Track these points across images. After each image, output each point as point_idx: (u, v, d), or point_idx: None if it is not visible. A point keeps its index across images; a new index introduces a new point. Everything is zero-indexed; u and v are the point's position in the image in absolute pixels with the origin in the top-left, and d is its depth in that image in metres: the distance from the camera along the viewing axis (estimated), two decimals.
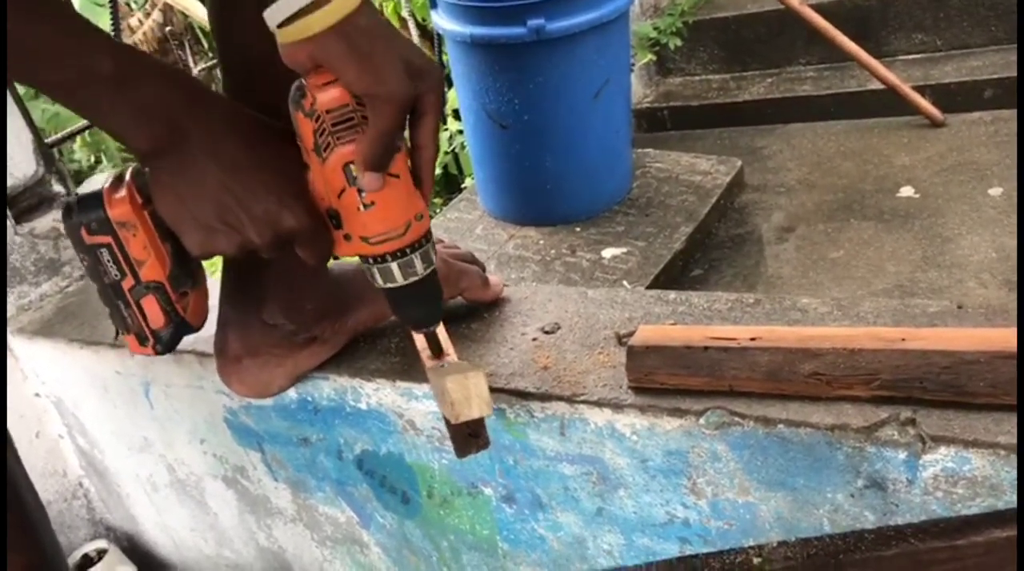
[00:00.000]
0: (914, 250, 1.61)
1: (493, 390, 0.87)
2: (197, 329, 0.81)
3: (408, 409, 0.95)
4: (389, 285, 0.74)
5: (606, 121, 1.81)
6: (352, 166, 0.67)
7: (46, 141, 1.44)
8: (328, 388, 1.00)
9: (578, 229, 1.81)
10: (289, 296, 0.93)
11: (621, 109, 1.86)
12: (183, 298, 0.78)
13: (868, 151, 2.05)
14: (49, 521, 0.95)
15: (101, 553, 1.44)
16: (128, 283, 0.74)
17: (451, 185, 2.49)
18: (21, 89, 1.41)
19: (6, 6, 0.59)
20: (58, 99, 0.67)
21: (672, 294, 0.94)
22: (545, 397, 0.85)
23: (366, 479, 1.07)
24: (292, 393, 1.03)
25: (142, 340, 0.79)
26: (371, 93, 0.65)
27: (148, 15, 5.55)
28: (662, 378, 0.79)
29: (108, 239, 0.72)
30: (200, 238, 0.70)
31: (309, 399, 1.03)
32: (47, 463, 1.45)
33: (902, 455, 0.69)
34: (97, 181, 0.76)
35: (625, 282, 1.61)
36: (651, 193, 1.89)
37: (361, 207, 0.68)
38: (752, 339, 0.77)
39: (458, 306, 1.00)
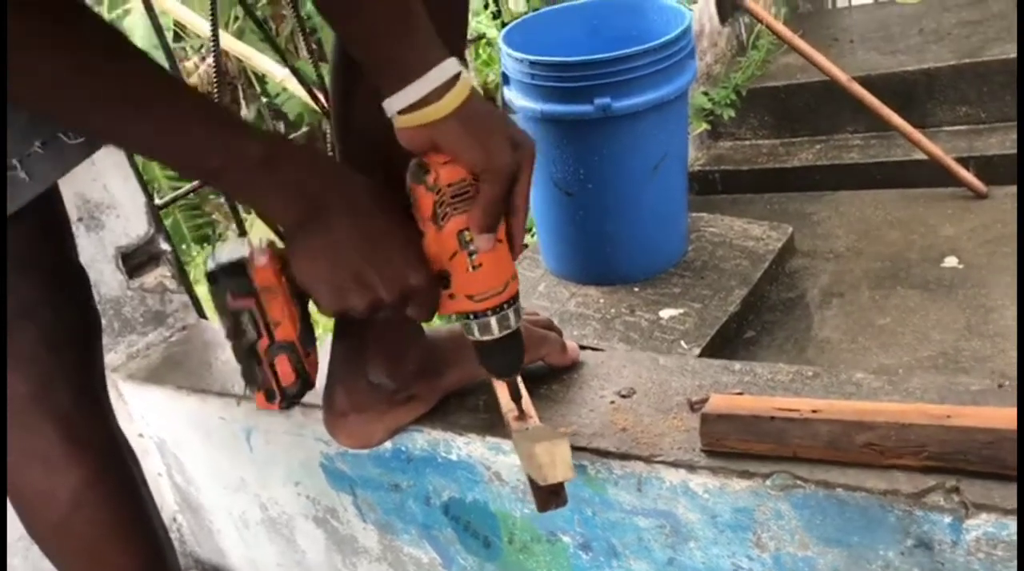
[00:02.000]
0: (958, 319, 1.69)
1: (576, 449, 0.98)
2: (314, 386, 0.91)
3: (495, 462, 1.06)
4: (486, 337, 0.84)
5: (664, 190, 1.93)
6: (466, 233, 0.78)
7: (156, 203, 1.58)
8: (422, 440, 1.11)
9: (636, 289, 1.92)
10: (392, 359, 1.04)
11: (678, 179, 1.98)
12: (308, 357, 0.87)
13: (913, 221, 2.15)
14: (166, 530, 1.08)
15: None
16: (264, 343, 0.83)
17: None
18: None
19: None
20: (205, 181, 0.79)
21: (737, 365, 1.05)
22: (624, 456, 0.95)
23: (451, 523, 1.18)
24: (388, 444, 1.14)
25: (270, 396, 0.87)
26: (485, 168, 0.77)
27: (204, 59, 5.78)
28: (732, 443, 0.90)
29: (251, 303, 0.81)
30: (335, 297, 0.80)
31: (403, 449, 1.14)
32: None
33: (947, 519, 0.79)
34: (229, 249, 0.85)
35: (683, 342, 1.71)
36: (706, 257, 2.00)
37: (470, 268, 0.79)
38: (813, 411, 0.87)
39: (539, 369, 1.11)
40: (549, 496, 0.89)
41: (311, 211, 0.77)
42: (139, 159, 1.58)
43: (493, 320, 0.83)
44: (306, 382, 0.89)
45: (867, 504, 0.82)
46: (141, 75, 0.69)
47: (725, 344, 1.78)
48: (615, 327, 1.80)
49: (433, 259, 0.81)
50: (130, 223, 1.53)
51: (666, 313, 1.81)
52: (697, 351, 1.69)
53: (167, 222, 2.17)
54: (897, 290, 1.84)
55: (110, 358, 1.51)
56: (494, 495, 1.10)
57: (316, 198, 0.77)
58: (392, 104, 0.76)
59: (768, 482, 0.87)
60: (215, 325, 1.60)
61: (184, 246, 5.63)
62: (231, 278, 0.81)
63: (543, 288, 1.99)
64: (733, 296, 1.84)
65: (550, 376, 1.11)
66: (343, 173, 0.82)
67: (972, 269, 1.85)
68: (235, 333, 0.83)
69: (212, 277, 0.82)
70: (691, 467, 0.91)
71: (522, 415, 0.96)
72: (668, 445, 0.94)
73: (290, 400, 0.88)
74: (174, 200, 1.63)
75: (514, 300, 0.84)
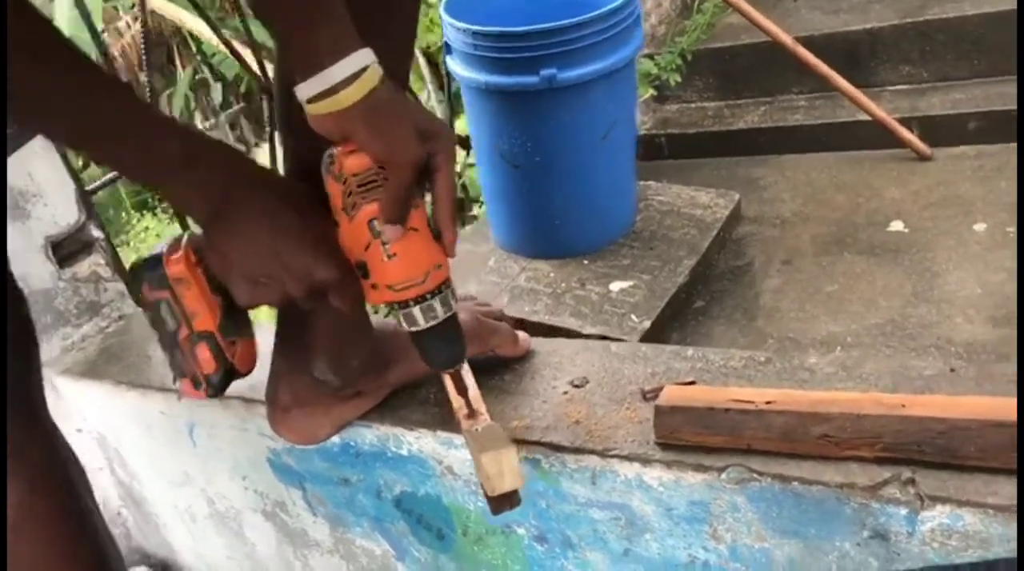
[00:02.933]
0: (904, 285, 1.70)
1: (529, 443, 0.96)
2: (245, 374, 0.91)
3: (447, 456, 1.04)
4: (413, 329, 0.83)
5: (612, 160, 1.90)
6: (376, 222, 0.77)
7: (87, 189, 1.52)
8: (371, 435, 1.09)
9: (586, 262, 1.90)
10: (337, 354, 1.01)
11: (627, 148, 1.95)
12: (232, 346, 0.87)
13: (859, 184, 2.15)
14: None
15: None
16: (183, 333, 0.85)
17: (460, 209, 2.58)
18: None
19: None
20: (125, 174, 0.78)
21: (690, 351, 1.03)
22: (579, 451, 0.93)
23: (403, 517, 1.16)
24: (335, 438, 1.11)
25: (196, 383, 0.88)
26: (388, 159, 0.77)
27: (136, 19, 5.60)
28: (686, 436, 0.88)
29: (166, 294, 0.83)
30: (247, 290, 0.81)
31: (352, 444, 1.11)
32: None
33: (903, 511, 0.78)
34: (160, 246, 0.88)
35: (633, 316, 1.70)
36: (654, 226, 1.98)
37: (385, 258, 0.78)
38: (768, 402, 0.86)
39: (491, 360, 1.08)
40: (502, 499, 0.87)
41: (223, 207, 0.78)
42: None
43: (416, 310, 0.81)
44: (230, 371, 0.89)
45: (823, 497, 0.82)
46: (65, 69, 0.70)
47: (675, 315, 1.77)
48: (565, 301, 1.78)
49: (349, 249, 0.80)
50: (59, 211, 1.46)
51: (616, 286, 1.80)
52: (648, 324, 1.68)
53: (104, 191, 2.10)
54: (844, 256, 1.84)
55: (43, 352, 1.46)
56: (447, 489, 1.08)
57: (228, 195, 0.78)
58: (301, 91, 0.76)
59: (723, 475, 0.86)
60: None
61: (124, 215, 5.49)
62: (147, 272, 0.83)
63: (493, 263, 1.96)
64: (682, 266, 1.83)
65: (502, 367, 1.08)
66: (256, 170, 0.82)
67: (917, 233, 1.87)
68: (155, 323, 0.85)
69: (132, 272, 0.86)
70: (645, 460, 0.89)
71: (472, 412, 0.94)
72: (622, 438, 0.92)
73: (215, 388, 0.88)
74: (105, 185, 1.56)
75: (440, 289, 0.82)
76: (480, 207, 2.18)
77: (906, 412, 0.81)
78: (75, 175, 1.49)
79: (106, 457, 1.51)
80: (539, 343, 1.11)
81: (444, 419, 1.02)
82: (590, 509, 0.97)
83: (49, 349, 1.45)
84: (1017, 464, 0.76)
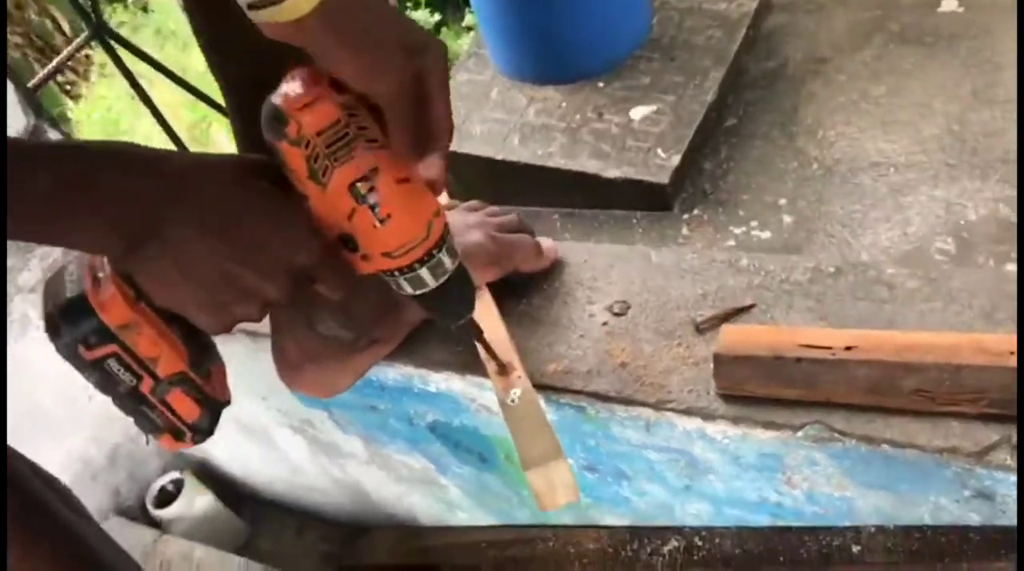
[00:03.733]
0: (962, 83, 1.51)
1: (571, 392, 0.86)
2: (228, 403, 0.77)
3: (480, 396, 0.94)
4: (421, 291, 0.69)
5: None
6: (360, 184, 0.61)
7: (28, 85, 1.33)
8: (393, 373, 0.99)
9: (601, 84, 1.70)
10: (342, 308, 0.88)
11: None
12: (208, 379, 0.73)
13: None
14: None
15: (177, 484, 1.48)
16: (147, 385, 0.67)
17: None
18: None
19: None
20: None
21: (744, 260, 0.89)
22: (628, 401, 0.83)
23: (440, 440, 1.08)
24: None
25: (178, 435, 0.73)
26: (369, 87, 0.60)
27: None
28: (753, 388, 0.77)
29: (112, 348, 0.64)
30: (214, 317, 0.65)
31: (374, 379, 1.01)
32: (107, 409, 1.45)
33: (1013, 477, 0.68)
34: (68, 276, 0.64)
35: (659, 150, 1.53)
36: (674, 31, 1.75)
37: (376, 223, 0.63)
38: (848, 348, 0.74)
39: (512, 279, 0.95)
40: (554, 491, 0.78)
41: (142, 230, 0.59)
42: None
43: (424, 271, 0.67)
44: (215, 406, 0.74)
45: (918, 459, 0.71)
46: None
47: (705, 140, 1.60)
48: (583, 138, 1.60)
49: (327, 223, 0.64)
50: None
51: (637, 112, 1.62)
52: (677, 158, 1.52)
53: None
54: (890, 48, 1.63)
55: (23, 278, 1.34)
56: (483, 422, 0.99)
57: (144, 211, 0.59)
58: None
59: (799, 434, 0.75)
60: None
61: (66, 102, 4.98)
62: (75, 325, 0.63)
63: (496, 95, 1.76)
64: (709, 80, 1.63)
65: (528, 286, 0.95)
66: (174, 163, 0.62)
67: (974, 12, 1.63)
68: (106, 386, 0.67)
69: (51, 326, 0.64)
70: (707, 416, 0.79)
71: (502, 368, 0.83)
72: (677, 386, 0.81)
73: (205, 432, 0.74)
74: (48, 78, 1.37)
75: (444, 239, 0.67)
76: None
77: (1015, 362, 0.69)
78: (13, 73, 1.30)
79: None
80: (568, 252, 0.98)
81: (471, 362, 0.91)
82: (645, 451, 0.88)
83: (30, 276, 1.33)
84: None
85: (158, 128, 1.77)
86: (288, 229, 0.64)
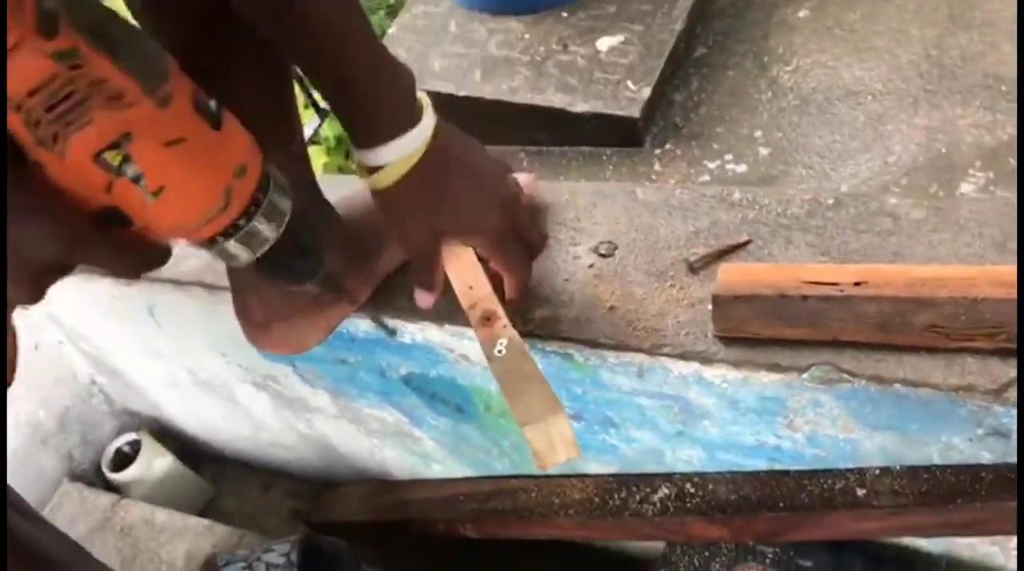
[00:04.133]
0: (939, 6, 1.46)
1: (558, 339, 0.81)
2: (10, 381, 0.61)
3: (459, 346, 0.89)
4: (235, 265, 0.58)
5: None
6: (107, 154, 0.48)
7: None
8: (364, 325, 0.92)
9: (565, 14, 1.62)
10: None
11: None
12: None
13: None
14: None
15: (134, 446, 1.41)
16: None
17: None
18: None
19: None
20: None
21: (736, 194, 0.84)
22: (620, 348, 0.78)
23: (415, 393, 1.02)
24: None
25: None
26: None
27: None
28: (755, 328, 0.72)
29: None
30: None
31: (344, 332, 0.95)
32: (54, 370, 1.38)
33: None
34: None
35: (629, 83, 1.47)
36: None
37: (148, 198, 0.50)
38: (856, 284, 0.69)
39: None
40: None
41: None
42: None
43: (231, 244, 0.55)
44: None
45: (932, 398, 0.67)
46: None
47: (675, 71, 1.54)
48: (548, 71, 1.53)
49: (79, 196, 0.50)
50: None
51: (604, 43, 1.54)
52: (647, 91, 1.45)
53: None
54: None
55: None
56: (462, 372, 0.94)
57: None
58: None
59: (806, 375, 0.71)
60: None
61: None
62: None
63: (454, 28, 1.68)
64: (677, 8, 1.56)
65: None
66: None
67: None
68: None
69: None
70: (705, 360, 0.74)
71: (486, 316, 0.77)
72: (672, 329, 0.76)
73: None
74: None
75: (256, 203, 0.54)
76: None
77: None
78: None
79: (63, 332, 1.35)
80: (548, 191, 0.92)
81: (451, 310, 0.85)
82: (636, 397, 0.84)
83: None
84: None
85: None
86: (24, 222, 0.49)
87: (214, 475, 1.51)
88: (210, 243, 0.54)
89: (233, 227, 0.54)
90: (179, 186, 0.50)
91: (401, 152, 0.68)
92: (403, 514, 1.21)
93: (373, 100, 0.66)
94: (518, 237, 0.78)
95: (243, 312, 0.87)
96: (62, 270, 0.53)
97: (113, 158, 0.48)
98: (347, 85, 0.65)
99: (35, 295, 0.53)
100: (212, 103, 0.52)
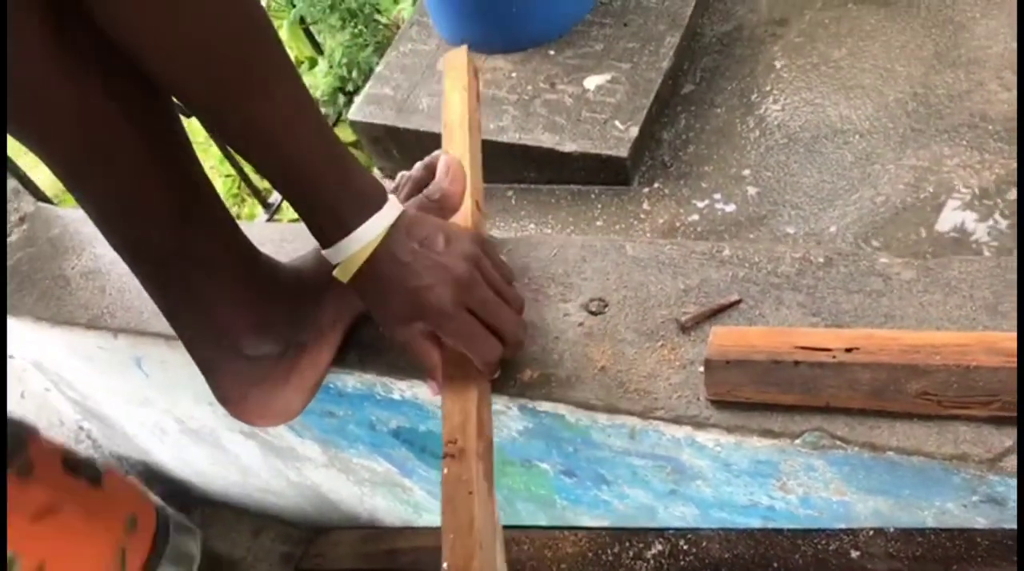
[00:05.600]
0: (924, 44, 1.47)
1: (548, 399, 0.80)
2: None
3: None
4: None
5: None
6: None
7: None
8: (353, 381, 0.92)
9: (552, 52, 1.62)
10: (258, 321, 0.81)
11: None
12: None
13: None
14: None
15: None
16: None
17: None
18: None
19: None
20: None
21: (727, 250, 0.84)
22: (612, 409, 0.77)
23: (404, 446, 1.02)
24: None
25: None
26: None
27: None
28: (748, 393, 0.72)
29: None
30: None
31: (332, 386, 0.94)
32: (40, 418, 1.36)
33: None
34: None
35: (617, 122, 1.47)
36: None
37: None
38: (848, 350, 0.69)
39: None
40: None
41: None
42: None
43: None
44: None
45: (926, 466, 0.67)
46: None
47: (663, 109, 1.54)
48: (536, 111, 1.53)
49: None
50: None
51: (592, 82, 1.55)
52: (635, 130, 1.45)
53: None
54: (849, 8, 1.58)
55: None
56: None
57: None
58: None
59: (798, 441, 0.70)
60: (60, 210, 1.30)
61: None
62: None
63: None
64: (664, 46, 1.56)
65: None
66: None
67: None
68: None
69: None
70: (698, 424, 0.74)
71: (457, 450, 0.73)
72: (664, 392, 0.76)
73: None
74: None
75: (164, 539, 0.53)
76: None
77: None
78: None
79: (49, 380, 1.34)
80: (535, 244, 0.91)
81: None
82: (628, 457, 0.83)
83: None
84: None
85: None
86: None
87: (203, 518, 1.49)
88: None
89: None
90: (60, 560, 0.46)
91: (361, 244, 0.70)
92: (394, 563, 1.19)
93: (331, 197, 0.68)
94: (485, 311, 0.75)
95: (219, 392, 0.85)
96: None
97: None
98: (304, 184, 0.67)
99: None
100: (85, 456, 0.48)
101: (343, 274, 0.72)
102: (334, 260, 0.71)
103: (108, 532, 0.47)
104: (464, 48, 0.95)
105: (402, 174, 0.89)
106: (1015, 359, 0.64)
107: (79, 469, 0.46)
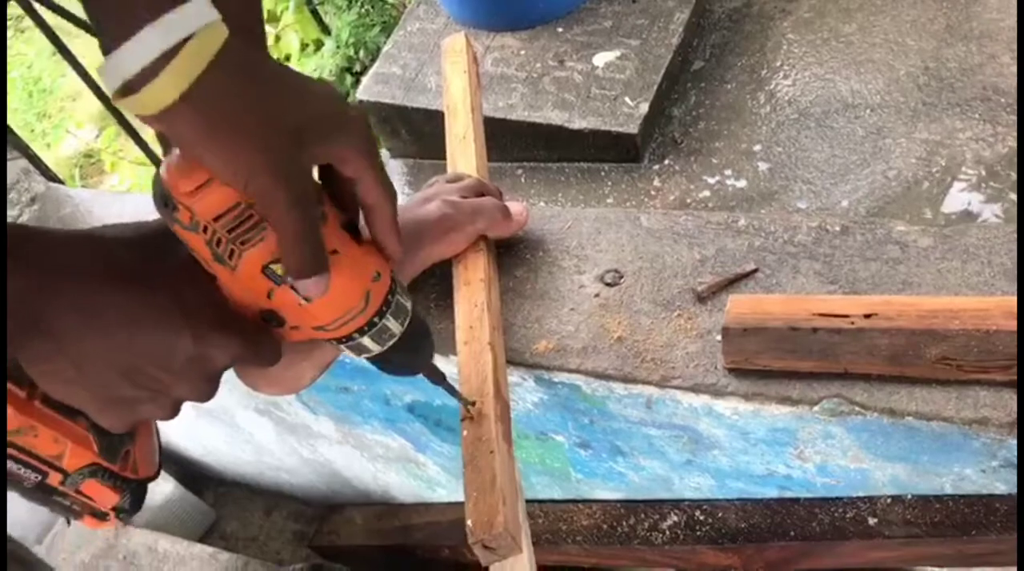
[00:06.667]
0: (936, 17, 1.46)
1: (564, 370, 0.80)
2: (154, 477, 0.69)
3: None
4: (365, 356, 0.63)
5: None
6: (274, 266, 0.54)
7: None
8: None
9: (560, 30, 1.62)
10: None
11: None
12: (126, 461, 0.64)
13: None
14: None
15: None
16: (55, 479, 0.60)
17: None
18: None
19: None
20: None
21: (742, 220, 0.84)
22: (629, 379, 0.77)
23: (419, 420, 1.02)
24: None
25: (101, 516, 0.65)
26: (252, 192, 0.51)
27: None
28: (766, 361, 0.72)
29: (10, 452, 0.57)
30: (118, 414, 0.57)
31: (347, 361, 0.94)
32: None
33: None
34: None
35: (627, 99, 1.46)
36: None
37: (303, 301, 0.56)
38: (867, 316, 0.69)
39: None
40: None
41: (33, 328, 0.51)
42: None
43: (366, 340, 0.61)
44: (137, 486, 0.65)
45: (945, 431, 0.67)
46: None
47: (673, 86, 1.54)
48: (545, 88, 1.53)
49: (243, 303, 0.57)
50: None
51: (601, 59, 1.54)
52: (645, 107, 1.45)
53: None
54: None
55: None
56: None
57: (31, 312, 0.51)
58: (109, 77, 0.47)
59: (817, 408, 0.70)
60: (71, 190, 1.30)
61: None
62: None
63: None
64: (674, 22, 1.56)
65: (509, 253, 0.89)
66: (52, 247, 0.54)
67: None
68: (10, 482, 0.59)
69: None
70: (716, 393, 0.74)
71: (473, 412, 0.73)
72: (681, 361, 0.76)
73: (129, 511, 0.66)
74: None
75: (387, 304, 0.60)
76: None
77: None
78: None
79: None
80: (550, 217, 0.91)
81: (454, 341, 0.84)
82: (645, 428, 0.83)
83: None
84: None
85: (83, 84, 1.66)
86: (199, 323, 0.55)
87: (216, 498, 1.50)
88: (346, 339, 0.60)
89: (368, 324, 0.60)
90: (330, 291, 0.55)
91: (190, 22, 0.47)
92: (408, 538, 1.20)
93: None
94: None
95: None
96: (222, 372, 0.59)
97: (277, 268, 0.54)
98: None
99: (211, 393, 0.60)
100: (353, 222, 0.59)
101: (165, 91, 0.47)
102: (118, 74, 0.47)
103: (362, 279, 0.59)
104: (463, 34, 0.97)
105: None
106: None
107: (350, 228, 0.57)
